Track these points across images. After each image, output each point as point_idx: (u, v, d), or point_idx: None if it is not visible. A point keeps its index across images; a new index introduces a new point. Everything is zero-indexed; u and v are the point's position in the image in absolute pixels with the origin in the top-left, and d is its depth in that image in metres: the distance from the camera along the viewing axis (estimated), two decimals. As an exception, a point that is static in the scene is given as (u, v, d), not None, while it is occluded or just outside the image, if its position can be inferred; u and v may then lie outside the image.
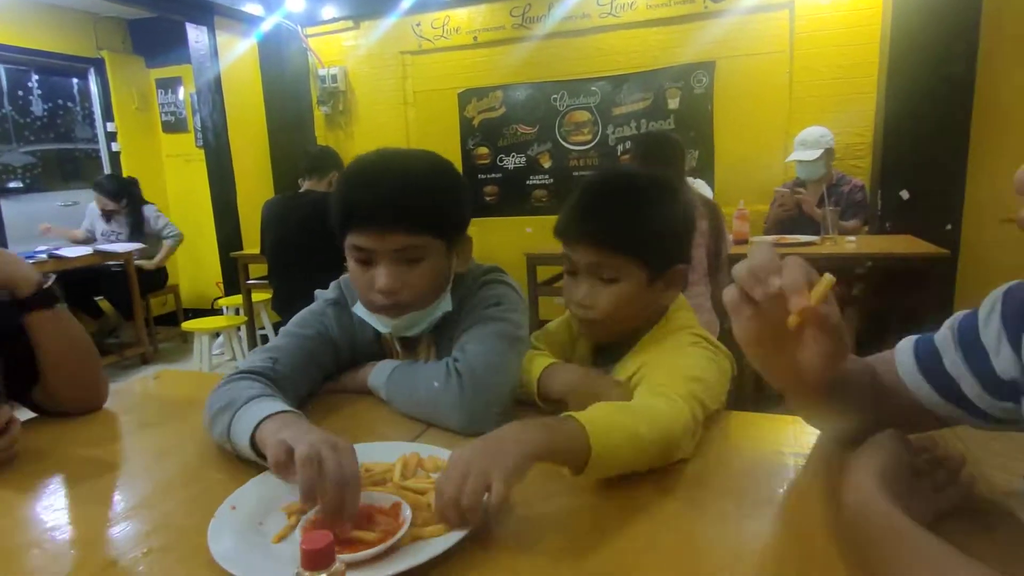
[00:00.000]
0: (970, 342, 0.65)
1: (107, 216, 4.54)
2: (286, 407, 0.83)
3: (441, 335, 1.08)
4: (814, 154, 3.23)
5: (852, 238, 3.08)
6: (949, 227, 3.36)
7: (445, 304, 1.04)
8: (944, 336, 0.68)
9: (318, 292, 1.16)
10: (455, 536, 0.60)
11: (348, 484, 0.63)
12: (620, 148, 4.38)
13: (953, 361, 0.66)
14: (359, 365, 1.10)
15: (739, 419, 0.93)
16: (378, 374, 1.05)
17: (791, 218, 3.44)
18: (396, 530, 0.60)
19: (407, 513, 0.63)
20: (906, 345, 0.71)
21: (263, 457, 0.75)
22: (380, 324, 1.04)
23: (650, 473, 0.75)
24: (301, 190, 3.47)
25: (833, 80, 3.78)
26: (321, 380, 1.09)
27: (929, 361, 0.69)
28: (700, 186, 3.58)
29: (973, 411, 0.66)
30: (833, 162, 3.39)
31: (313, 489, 0.63)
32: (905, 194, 3.43)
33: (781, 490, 0.72)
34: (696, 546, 0.62)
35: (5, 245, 4.62)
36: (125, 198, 4.50)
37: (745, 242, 3.03)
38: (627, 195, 0.97)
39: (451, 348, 1.04)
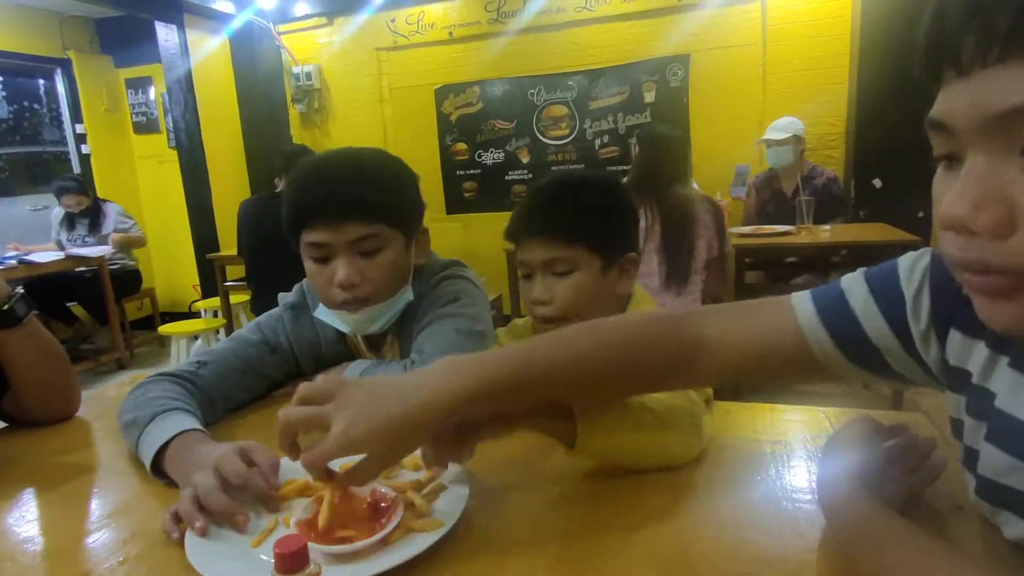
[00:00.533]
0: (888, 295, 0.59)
1: (70, 221, 4.44)
2: (187, 426, 0.81)
3: (402, 332, 1.07)
4: (782, 135, 3.28)
5: (827, 227, 3.13)
6: (921, 214, 3.42)
7: (407, 295, 1.03)
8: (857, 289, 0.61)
9: (281, 296, 1.14)
10: (441, 532, 0.60)
11: (240, 488, 0.66)
12: (598, 142, 4.39)
13: (866, 305, 0.59)
14: (328, 369, 1.06)
15: (715, 408, 0.94)
16: (352, 375, 1.01)
17: (766, 209, 3.49)
18: (385, 525, 0.60)
19: (399, 508, 0.62)
20: (803, 298, 0.64)
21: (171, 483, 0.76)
22: (341, 324, 1.02)
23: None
24: (277, 190, 3.44)
25: (805, 72, 3.83)
26: (263, 387, 1.07)
27: (833, 312, 0.61)
28: (696, 189, 3.64)
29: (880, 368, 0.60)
30: (805, 153, 3.44)
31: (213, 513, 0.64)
32: (878, 183, 3.49)
33: (759, 477, 0.73)
34: (677, 534, 0.63)
35: (-28, 252, 4.51)
36: (91, 191, 4.43)
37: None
38: (572, 190, 0.99)
39: (412, 343, 1.04)
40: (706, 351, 0.64)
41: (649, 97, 4.21)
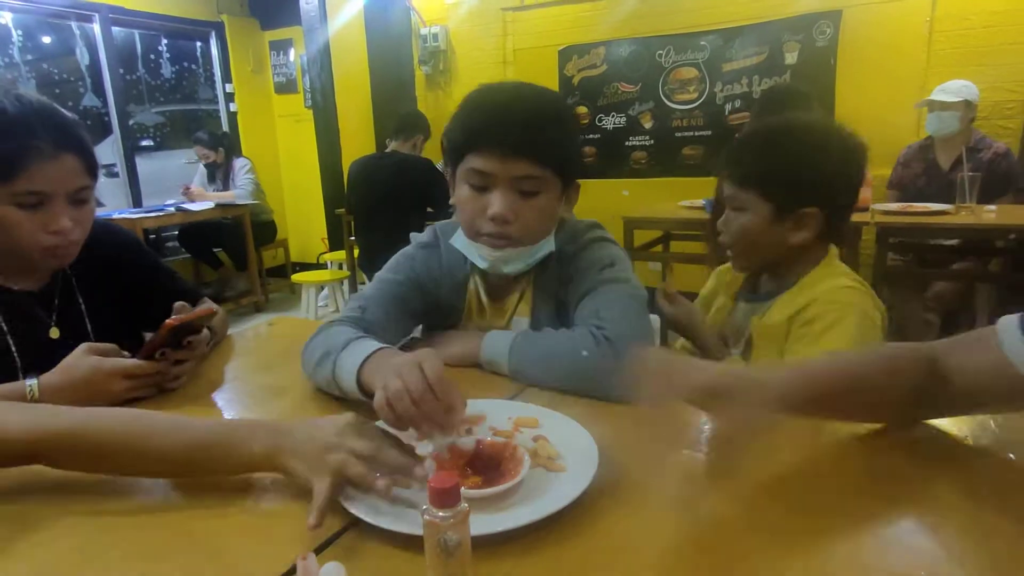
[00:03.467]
0: None
1: (211, 172, 4.83)
2: (380, 344, 0.86)
3: (538, 285, 1.06)
4: (951, 98, 2.90)
5: (992, 208, 2.76)
6: (1115, 198, 2.94)
7: (548, 246, 1.02)
8: None
9: (413, 235, 1.18)
10: (583, 486, 0.61)
11: (430, 392, 0.66)
12: (728, 107, 4.13)
13: None
14: (448, 337, 1.06)
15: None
16: (494, 346, 0.99)
17: (915, 183, 3.14)
18: (515, 472, 0.61)
19: (525, 456, 0.63)
20: (1010, 323, 0.64)
21: (370, 396, 0.77)
22: (479, 257, 1.01)
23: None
24: (387, 150, 3.55)
25: (984, 28, 3.34)
26: (412, 323, 1.11)
27: None
28: None
29: None
30: (974, 122, 3.03)
31: (405, 423, 0.68)
32: (1062, 159, 3.02)
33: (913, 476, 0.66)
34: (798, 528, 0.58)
35: (140, 199, 5.07)
36: (223, 148, 4.75)
37: (866, 209, 2.79)
38: (769, 136, 1.11)
39: (549, 302, 1.04)
40: (948, 386, 0.67)
41: (791, 58, 3.87)
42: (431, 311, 1.12)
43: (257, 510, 0.65)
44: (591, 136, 4.61)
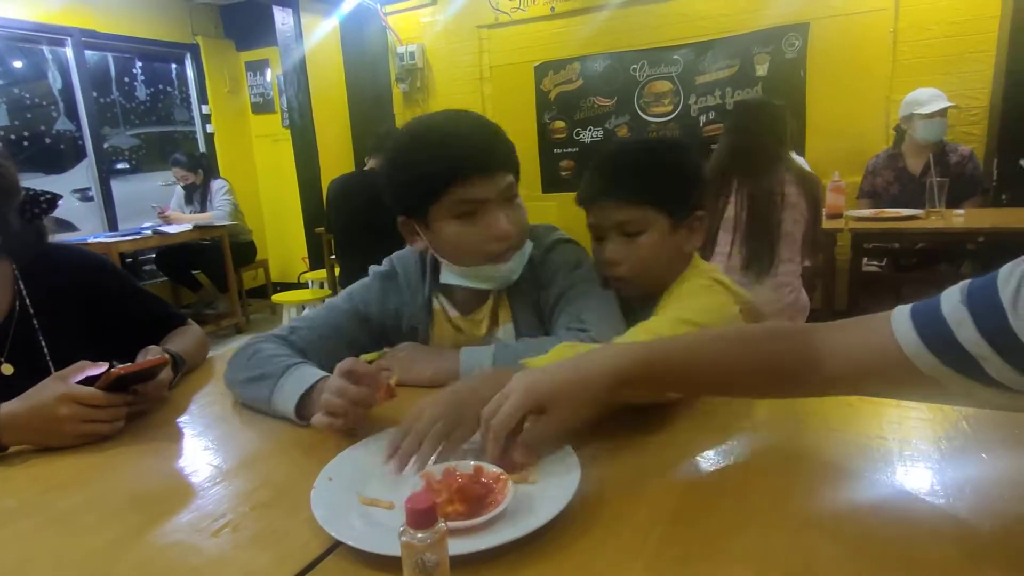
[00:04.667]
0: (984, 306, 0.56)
1: (188, 193, 4.79)
2: (323, 375, 0.89)
3: (516, 294, 1.08)
4: (931, 108, 2.95)
5: (961, 211, 2.84)
6: (1077, 199, 3.03)
7: (529, 246, 1.06)
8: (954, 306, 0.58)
9: (371, 267, 1.18)
10: (553, 513, 0.60)
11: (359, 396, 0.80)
12: (703, 119, 4.20)
13: (968, 335, 0.56)
14: (415, 358, 1.03)
15: (836, 402, 0.88)
16: (472, 361, 0.98)
17: (888, 191, 3.21)
18: (498, 502, 0.60)
19: (510, 485, 0.62)
20: (902, 310, 0.63)
21: (305, 420, 0.87)
22: (484, 280, 1.04)
23: (739, 454, 0.72)
24: (366, 168, 3.55)
25: (944, 39, 3.45)
26: (350, 353, 1.04)
27: (933, 331, 0.59)
28: (800, 162, 3.38)
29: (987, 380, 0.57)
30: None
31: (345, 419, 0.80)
32: (1025, 163, 3.11)
33: (884, 477, 0.67)
34: (792, 532, 0.59)
35: (116, 222, 5.01)
36: (201, 169, 4.72)
37: (839, 216, 2.85)
38: (640, 153, 1.07)
39: (528, 308, 1.07)
40: (822, 366, 0.66)
41: (761, 70, 3.96)
42: (389, 341, 1.12)
43: (236, 541, 0.64)
44: (569, 150, 4.66)
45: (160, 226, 4.39)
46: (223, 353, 1.39)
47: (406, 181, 0.98)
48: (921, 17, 3.49)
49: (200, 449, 0.88)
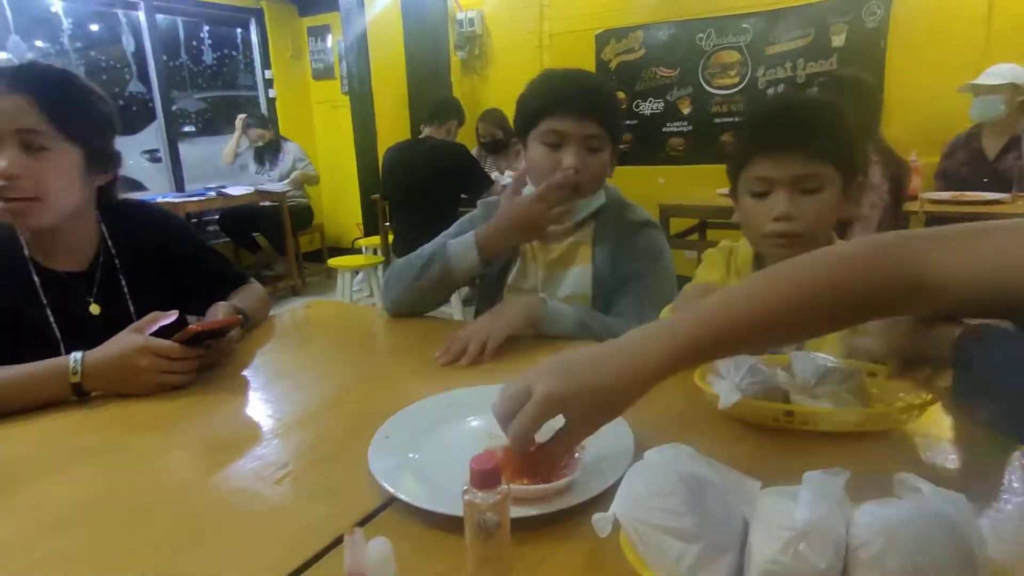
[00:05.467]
0: None
1: (259, 156, 4.93)
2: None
3: (600, 241, 1.22)
4: (995, 80, 2.76)
5: (1051, 198, 2.64)
6: None
7: (599, 200, 1.22)
8: None
9: (481, 200, 1.37)
10: (601, 488, 0.59)
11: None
12: (772, 91, 4.02)
13: None
14: (493, 313, 1.09)
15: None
16: (556, 315, 1.09)
17: (959, 172, 3.00)
18: (563, 476, 0.60)
19: (578, 463, 0.62)
20: None
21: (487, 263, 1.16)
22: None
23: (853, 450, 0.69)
24: (421, 136, 3.56)
25: (1048, 7, 3.17)
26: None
27: None
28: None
29: None
30: (1018, 105, 2.89)
31: None
32: None
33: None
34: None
35: (183, 183, 5.20)
36: (272, 126, 4.91)
37: (915, 198, 2.69)
38: (821, 107, 1.00)
39: (607, 255, 1.20)
40: (930, 289, 0.54)
41: (838, 41, 3.74)
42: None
43: (297, 490, 0.66)
44: (628, 122, 4.55)
45: (223, 187, 4.54)
46: (280, 313, 1.43)
47: (518, 109, 1.20)
48: (1021, -15, 3.22)
49: (263, 402, 0.91)
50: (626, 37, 4.43)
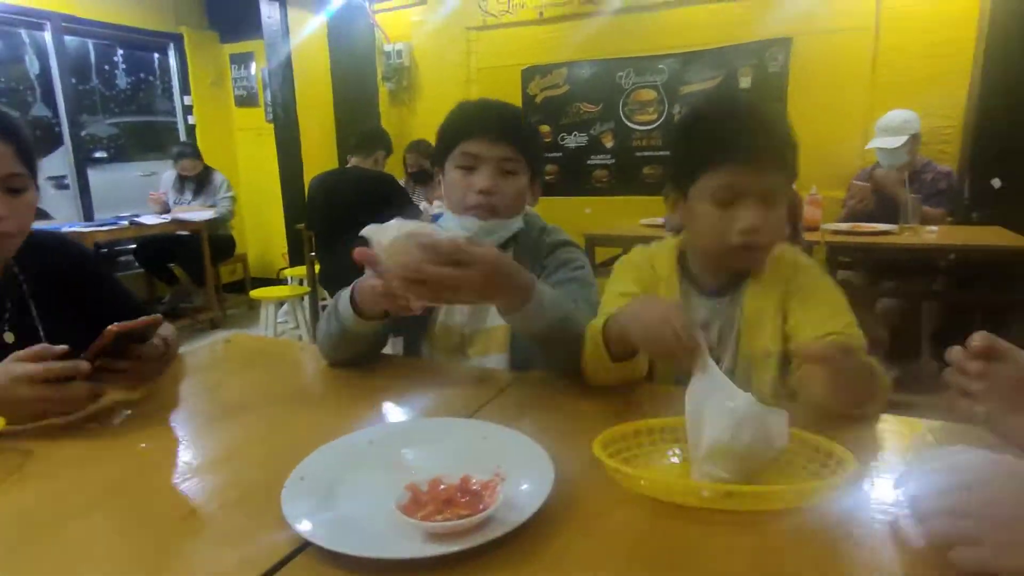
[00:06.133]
0: None
1: (181, 184, 4.74)
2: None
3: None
4: (897, 141, 3.04)
5: (934, 228, 2.90)
6: (1046, 219, 3.11)
7: (518, 224, 1.22)
8: None
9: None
10: (521, 519, 0.60)
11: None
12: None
13: None
14: None
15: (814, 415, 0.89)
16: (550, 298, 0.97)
17: (867, 212, 3.27)
18: (485, 508, 0.60)
19: (500, 491, 0.62)
20: None
21: (361, 315, 1.03)
22: (464, 229, 1.16)
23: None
24: (348, 166, 3.53)
25: (923, 58, 3.53)
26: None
27: None
28: None
29: None
30: (919, 148, 3.19)
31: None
32: (997, 182, 3.19)
33: (853, 491, 0.68)
34: (757, 545, 0.60)
35: (92, 212, 4.92)
36: (200, 160, 4.74)
37: (816, 229, 2.89)
38: (774, 117, 0.97)
39: None
40: None
41: (745, 83, 4.01)
42: None
43: (204, 537, 0.63)
44: (553, 155, 4.68)
45: (137, 216, 4.32)
46: (198, 347, 1.38)
47: (437, 139, 1.23)
48: (901, 37, 3.57)
49: (172, 443, 0.87)
50: (551, 73, 4.59)
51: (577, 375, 0.98)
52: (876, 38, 3.63)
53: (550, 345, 0.99)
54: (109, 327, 0.89)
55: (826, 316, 0.95)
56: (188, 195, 4.74)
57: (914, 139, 3.07)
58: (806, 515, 0.63)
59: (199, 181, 4.73)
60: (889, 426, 0.84)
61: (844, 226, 3.00)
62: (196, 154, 4.71)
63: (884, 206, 3.16)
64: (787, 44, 3.87)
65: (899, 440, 0.82)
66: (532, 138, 1.24)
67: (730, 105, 1.05)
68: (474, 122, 1.17)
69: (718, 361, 0.96)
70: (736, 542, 0.59)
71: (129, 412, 0.97)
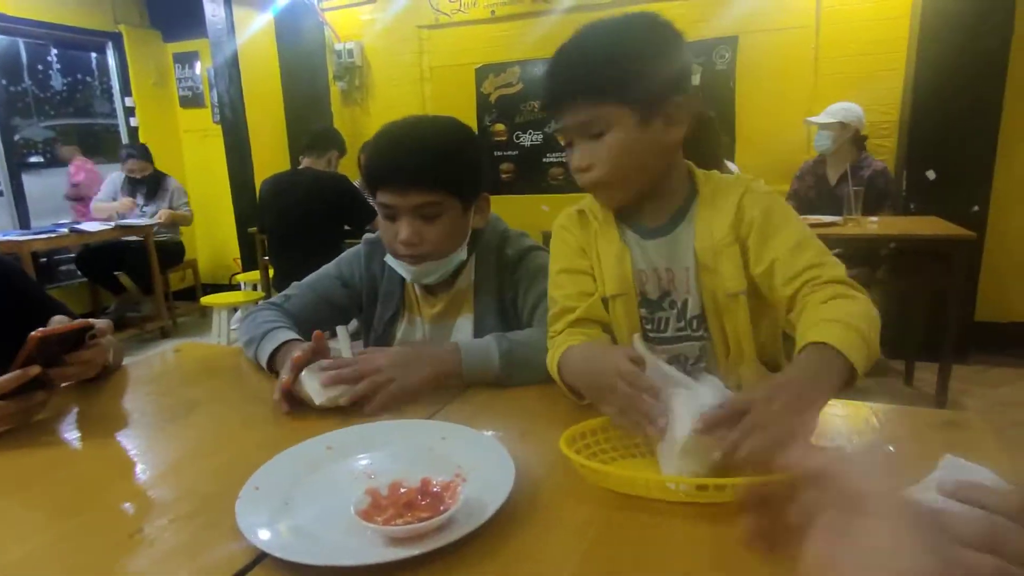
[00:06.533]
0: None
1: (131, 187, 4.56)
2: (289, 337, 1.07)
3: (482, 288, 1.19)
4: (828, 119, 3.16)
5: (874, 219, 3.02)
6: (976, 209, 3.28)
7: (460, 256, 1.15)
8: None
9: (367, 234, 1.32)
10: (483, 519, 0.60)
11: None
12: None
13: None
14: (406, 355, 1.01)
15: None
16: (476, 357, 1.00)
17: (807, 195, 3.40)
18: (447, 509, 0.60)
19: (461, 492, 0.62)
20: None
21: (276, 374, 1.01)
22: (404, 271, 1.16)
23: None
24: (300, 167, 3.47)
25: (860, 56, 3.67)
26: (337, 314, 1.26)
27: None
28: (733, 170, 3.53)
29: None
30: (866, 140, 3.32)
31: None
32: (932, 174, 3.34)
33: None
34: (709, 534, 0.61)
35: (28, 219, 4.69)
36: (150, 162, 4.56)
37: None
38: (588, 44, 0.91)
39: (492, 302, 1.17)
40: None
41: (694, 80, 4.09)
42: (367, 304, 1.26)
43: (154, 554, 0.61)
44: (509, 153, 4.69)
45: (77, 224, 4.14)
46: (147, 357, 1.33)
47: (364, 171, 1.17)
48: (839, 36, 3.70)
49: (120, 457, 0.84)
50: (504, 72, 4.59)
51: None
52: (817, 36, 3.75)
53: (517, 377, 1.01)
54: (32, 333, 0.88)
55: (794, 250, 0.89)
56: (140, 200, 4.56)
57: (843, 128, 3.19)
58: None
59: (150, 185, 4.55)
60: (838, 410, 0.87)
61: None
62: (145, 155, 4.52)
63: (825, 198, 3.28)
64: (734, 42, 3.96)
65: (847, 423, 0.85)
66: (459, 170, 1.09)
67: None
68: (385, 170, 1.07)
69: (682, 305, 1.00)
70: (697, 532, 0.61)
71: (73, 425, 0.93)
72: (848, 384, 0.74)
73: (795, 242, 0.90)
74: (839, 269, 0.88)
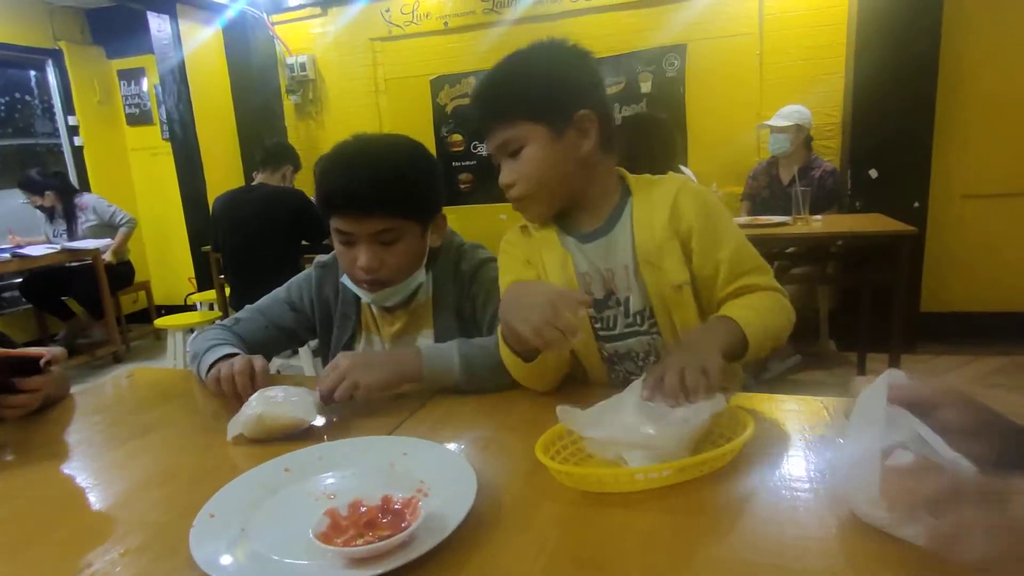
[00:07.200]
0: None
1: (48, 215, 4.39)
2: (230, 351, 1.08)
3: (440, 305, 1.18)
4: (783, 123, 3.29)
5: (818, 217, 3.12)
6: (917, 205, 3.42)
7: (420, 277, 1.15)
8: None
9: (316, 258, 1.29)
10: (445, 534, 0.60)
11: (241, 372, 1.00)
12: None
13: None
14: (369, 357, 1.02)
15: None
16: (438, 361, 1.01)
17: (761, 195, 3.51)
18: (408, 526, 0.59)
19: (418, 509, 0.61)
20: None
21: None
22: (362, 294, 1.15)
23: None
24: (254, 183, 3.41)
25: (802, 61, 3.81)
26: (284, 338, 1.27)
27: None
28: (687, 173, 3.60)
29: None
30: (812, 142, 3.45)
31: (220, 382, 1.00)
32: (874, 173, 3.48)
33: (758, 466, 0.73)
34: (674, 524, 0.63)
35: (-35, 245, 4.48)
36: (52, 191, 4.30)
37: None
38: (502, 69, 1.00)
39: (450, 317, 1.15)
40: None
41: (645, 87, 4.18)
42: (322, 327, 1.25)
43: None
44: (467, 163, 4.69)
45: (19, 248, 3.97)
46: (97, 384, 1.29)
47: (315, 195, 1.11)
48: (781, 42, 3.83)
49: (67, 488, 0.80)
50: (460, 82, 4.60)
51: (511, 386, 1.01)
52: (761, 43, 3.87)
53: (477, 382, 1.01)
54: None
55: (734, 257, 1.00)
56: (60, 227, 4.37)
57: (799, 129, 3.33)
58: (720, 494, 0.66)
59: (67, 216, 4.34)
60: (790, 406, 0.90)
61: (744, 219, 3.18)
62: (33, 188, 4.25)
63: (778, 198, 3.39)
64: (683, 50, 4.06)
65: (799, 418, 0.88)
66: (417, 194, 1.07)
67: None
68: (340, 198, 1.03)
69: (625, 302, 1.05)
70: (657, 521, 0.62)
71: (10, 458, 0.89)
72: (742, 349, 0.92)
73: (734, 249, 1.01)
74: (769, 275, 1.03)
